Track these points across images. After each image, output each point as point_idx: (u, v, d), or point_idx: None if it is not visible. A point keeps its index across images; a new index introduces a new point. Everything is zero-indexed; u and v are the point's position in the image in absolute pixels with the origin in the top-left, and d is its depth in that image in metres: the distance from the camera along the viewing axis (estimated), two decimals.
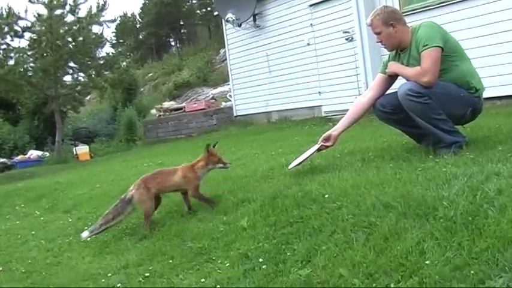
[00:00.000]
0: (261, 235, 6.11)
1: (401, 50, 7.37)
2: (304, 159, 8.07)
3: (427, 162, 7.19)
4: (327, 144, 6.76)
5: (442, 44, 6.88)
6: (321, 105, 17.16)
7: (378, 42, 7.48)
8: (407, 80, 7.19)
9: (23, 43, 25.95)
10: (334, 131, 7.62)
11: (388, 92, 7.75)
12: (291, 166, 8.26)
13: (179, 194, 8.02)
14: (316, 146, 7.53)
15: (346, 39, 16.02)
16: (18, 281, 6.59)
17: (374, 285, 4.38)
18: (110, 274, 6.19)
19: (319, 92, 17.14)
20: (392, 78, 7.67)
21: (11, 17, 24.97)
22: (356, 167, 7.75)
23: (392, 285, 4.28)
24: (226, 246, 6.14)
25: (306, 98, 17.84)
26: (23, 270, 6.98)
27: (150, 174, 8.07)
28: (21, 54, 25.61)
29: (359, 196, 6.22)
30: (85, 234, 7.74)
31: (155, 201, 7.84)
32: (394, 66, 7.41)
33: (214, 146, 7.83)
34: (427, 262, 4.40)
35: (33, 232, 8.77)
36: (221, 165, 7.85)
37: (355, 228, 5.44)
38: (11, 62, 25.28)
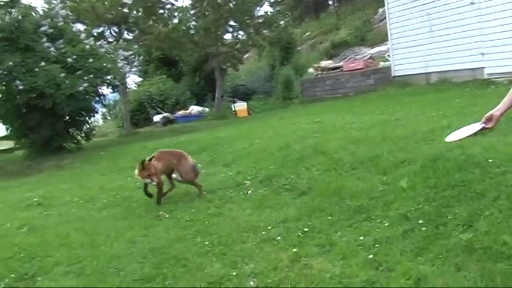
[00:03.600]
0: (421, 197, 6.07)
1: None
2: (463, 137, 7.83)
3: None
4: (488, 126, 6.43)
5: None
6: (483, 67, 16.50)
7: None
8: None
9: (186, 2, 26.82)
10: (497, 110, 7.13)
11: None
12: (448, 139, 8.06)
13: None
14: (479, 126, 7.24)
15: None
16: (183, 228, 6.93)
17: None
18: (269, 227, 6.36)
19: (482, 53, 16.47)
20: None
21: None
22: None
23: None
24: (385, 206, 6.15)
25: (468, 59, 17.18)
26: (188, 219, 7.32)
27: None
28: (184, 13, 26.46)
29: None
30: None
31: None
32: None
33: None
34: None
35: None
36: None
37: None
38: (175, 21, 26.21)
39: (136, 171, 8.19)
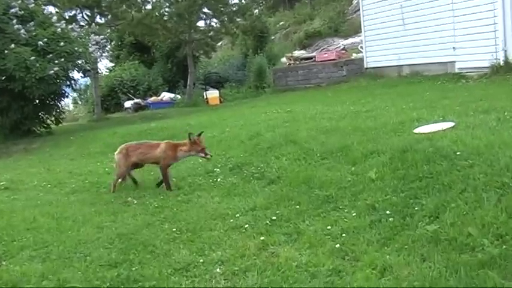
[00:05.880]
0: (389, 187, 6.13)
1: None
2: (432, 131, 7.91)
3: None
4: None
5: None
6: (454, 61, 16.63)
7: None
8: None
9: None
10: None
11: None
12: (416, 130, 8.14)
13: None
14: (450, 124, 7.22)
15: None
16: (152, 214, 6.93)
17: (504, 247, 4.32)
18: (238, 215, 6.40)
19: (454, 48, 16.59)
20: None
21: None
22: (490, 125, 7.57)
23: None
24: (354, 196, 6.20)
25: (440, 53, 17.27)
26: (156, 205, 7.33)
27: (135, 143, 8.83)
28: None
29: (492, 155, 6.09)
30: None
31: (135, 166, 8.66)
32: None
33: (199, 135, 8.11)
34: None
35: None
36: (202, 154, 8.18)
37: (487, 188, 5.35)
38: (149, 7, 26.05)
39: (183, 148, 8.18)
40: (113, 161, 9.02)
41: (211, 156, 8.24)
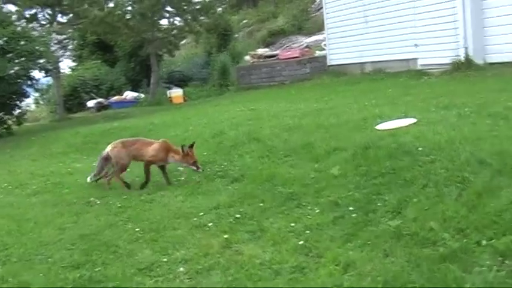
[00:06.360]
0: (351, 184, 6.17)
1: None
2: (394, 127, 7.97)
3: None
4: None
5: None
6: (416, 58, 16.78)
7: None
8: None
9: None
10: None
11: None
12: (378, 127, 8.20)
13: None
14: (412, 120, 7.28)
15: None
16: (115, 214, 6.87)
17: (465, 240, 4.37)
18: (201, 214, 6.37)
19: (416, 45, 16.73)
20: None
21: None
22: (451, 121, 7.65)
23: (484, 242, 4.26)
24: (317, 193, 6.22)
25: (402, 50, 17.41)
26: (119, 205, 7.27)
27: (131, 139, 8.81)
28: None
29: (453, 151, 6.16)
30: (88, 179, 8.74)
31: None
32: None
33: (191, 147, 8.03)
34: None
35: (128, 169, 9.02)
36: (194, 168, 8.06)
37: (448, 183, 5.41)
38: (111, 5, 25.79)
39: (176, 156, 8.09)
40: (76, 161, 8.88)
41: (202, 170, 8.10)
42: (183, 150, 7.95)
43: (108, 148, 8.42)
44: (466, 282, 3.78)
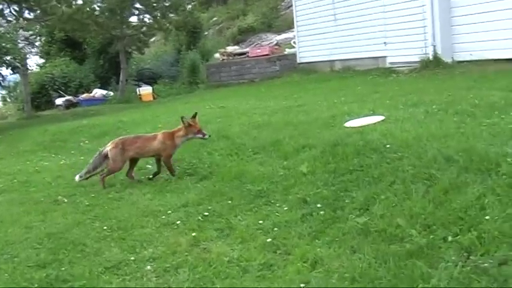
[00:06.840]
0: (320, 181, 6.18)
1: None
2: (362, 125, 8.01)
3: (492, 118, 7.10)
4: None
5: None
6: (386, 56, 16.91)
7: None
8: None
9: None
10: None
11: None
12: (347, 124, 8.24)
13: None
14: (380, 118, 7.30)
15: None
16: (82, 212, 6.81)
17: (431, 236, 4.40)
18: (169, 211, 6.35)
19: (385, 43, 16.86)
20: None
21: None
22: (419, 119, 7.72)
23: (450, 238, 4.30)
24: (285, 190, 6.23)
25: (371, 48, 17.54)
26: (87, 203, 7.21)
27: (131, 137, 8.53)
28: None
29: (420, 148, 6.21)
30: (77, 177, 8.37)
31: (131, 162, 8.26)
32: None
33: (194, 117, 7.95)
34: (487, 217, 4.40)
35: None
36: (200, 135, 7.99)
37: (415, 180, 5.45)
38: (79, 2, 25.58)
39: (180, 133, 7.95)
40: (44, 159, 8.77)
41: (209, 136, 8.02)
42: (183, 122, 7.85)
43: (109, 147, 8.19)
44: (432, 278, 3.80)
